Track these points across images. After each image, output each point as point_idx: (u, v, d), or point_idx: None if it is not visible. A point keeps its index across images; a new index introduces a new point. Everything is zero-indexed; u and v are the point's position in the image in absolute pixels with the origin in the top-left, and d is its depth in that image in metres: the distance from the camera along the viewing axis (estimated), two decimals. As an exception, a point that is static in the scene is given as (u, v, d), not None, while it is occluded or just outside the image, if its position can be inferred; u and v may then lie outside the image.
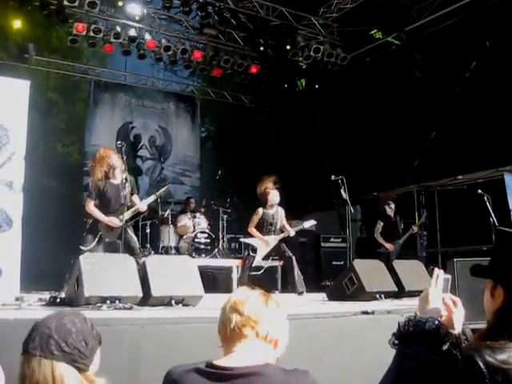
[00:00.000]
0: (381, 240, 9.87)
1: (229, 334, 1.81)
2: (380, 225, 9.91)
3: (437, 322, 1.85)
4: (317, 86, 16.15)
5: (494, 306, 1.82)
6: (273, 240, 8.38)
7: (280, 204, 8.59)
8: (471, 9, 11.40)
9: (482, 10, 11.25)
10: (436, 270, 2.01)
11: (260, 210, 8.39)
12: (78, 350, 1.87)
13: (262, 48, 13.42)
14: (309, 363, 3.80)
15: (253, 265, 8.40)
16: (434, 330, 1.83)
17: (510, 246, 1.88)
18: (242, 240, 8.98)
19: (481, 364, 1.57)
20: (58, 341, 1.84)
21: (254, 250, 8.44)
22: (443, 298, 1.99)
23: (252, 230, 8.40)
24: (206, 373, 1.74)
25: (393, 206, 10.07)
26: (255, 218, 8.40)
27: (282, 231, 8.48)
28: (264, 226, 8.40)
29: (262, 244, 8.36)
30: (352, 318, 4.73)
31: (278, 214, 8.49)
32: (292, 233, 8.50)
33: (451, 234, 11.68)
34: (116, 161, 6.95)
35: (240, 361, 1.75)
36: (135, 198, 7.22)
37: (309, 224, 8.98)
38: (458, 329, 1.93)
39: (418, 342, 1.81)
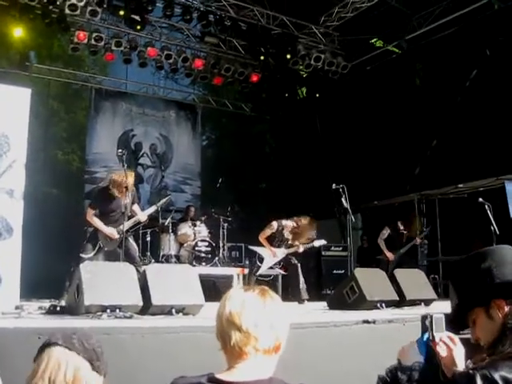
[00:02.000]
0: (383, 246, 9.83)
1: (229, 350, 1.77)
2: (386, 231, 9.86)
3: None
4: (317, 95, 16.17)
5: (496, 325, 1.82)
6: (281, 253, 8.42)
7: (281, 212, 8.61)
8: (471, 18, 11.44)
9: (483, 18, 11.29)
10: (439, 336, 2.00)
11: (275, 225, 8.39)
12: (96, 353, 1.96)
13: (262, 56, 13.44)
14: (310, 372, 3.79)
15: (257, 273, 8.41)
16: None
17: (468, 270, 1.88)
18: (250, 247, 9.00)
19: (498, 380, 1.55)
20: (80, 337, 1.95)
21: (261, 259, 8.45)
22: (440, 338, 1.98)
23: (263, 239, 8.41)
24: None
25: (403, 227, 10.02)
26: (268, 231, 8.40)
27: (292, 246, 8.50)
28: (275, 240, 8.42)
29: (270, 255, 8.38)
30: (353, 328, 4.71)
31: (289, 231, 8.53)
32: (301, 249, 8.53)
33: (452, 242, 11.65)
34: (131, 185, 6.89)
35: (243, 375, 1.73)
36: (136, 207, 7.22)
37: (319, 243, 9.03)
38: (460, 365, 1.92)
39: None
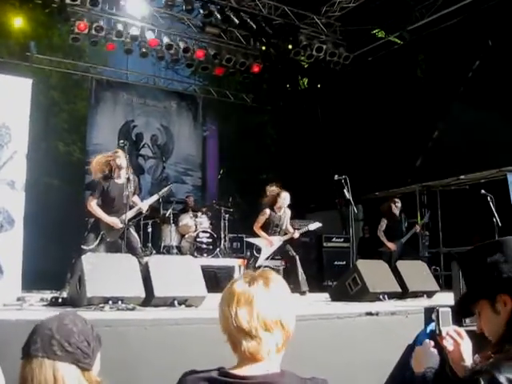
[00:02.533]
0: (383, 239, 9.80)
1: (240, 353, 1.72)
2: (384, 223, 9.82)
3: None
4: (319, 86, 16.13)
5: (502, 320, 1.79)
6: (277, 241, 8.37)
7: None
8: (474, 8, 11.38)
9: (485, 9, 11.22)
10: (446, 330, 1.98)
11: (267, 211, 8.36)
12: (81, 350, 1.85)
13: (264, 47, 13.42)
14: (313, 364, 3.78)
15: (256, 265, 8.38)
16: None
17: (475, 261, 1.85)
18: (246, 239, 8.98)
19: (503, 381, 1.52)
20: (60, 341, 1.82)
21: (258, 250, 8.42)
22: (447, 332, 1.96)
23: (258, 229, 8.38)
24: (219, 382, 1.69)
25: (399, 204, 9.98)
26: (262, 219, 8.36)
27: (287, 233, 8.47)
28: (270, 227, 8.39)
29: (267, 244, 8.36)
30: (356, 320, 4.70)
31: (285, 215, 8.48)
32: (296, 234, 8.51)
33: (453, 234, 11.64)
34: (122, 161, 6.92)
35: (255, 370, 1.70)
36: (136, 198, 7.20)
37: (314, 226, 8.96)
38: (468, 360, 1.90)
39: None
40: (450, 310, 2.04)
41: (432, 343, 2.04)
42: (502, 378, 1.52)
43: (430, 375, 1.95)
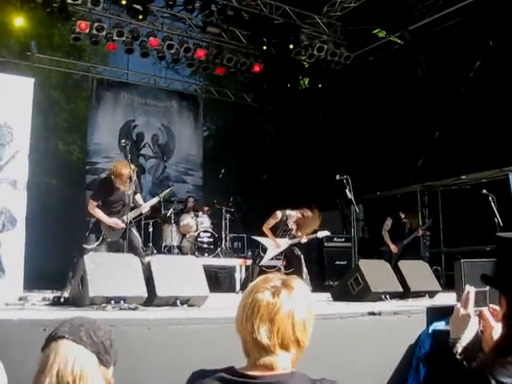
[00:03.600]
0: (387, 238, 9.80)
1: (252, 359, 1.73)
2: (389, 221, 9.81)
3: None
4: (320, 86, 16.12)
5: (501, 314, 1.81)
6: (284, 244, 8.40)
7: (283, 203, 8.59)
8: (475, 8, 11.38)
9: (486, 9, 11.23)
10: (467, 287, 1.97)
11: (279, 214, 8.36)
12: (104, 345, 1.94)
13: (265, 47, 13.39)
14: (316, 364, 3.77)
15: (260, 264, 8.40)
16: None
17: (511, 252, 1.84)
18: (253, 237, 8.98)
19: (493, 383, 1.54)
20: (88, 330, 1.92)
21: (264, 250, 8.43)
22: (481, 312, 1.96)
23: (267, 229, 8.39)
24: (229, 381, 1.69)
25: (403, 216, 9.97)
26: (272, 221, 8.38)
27: (295, 236, 8.49)
28: (278, 230, 8.40)
29: (274, 245, 8.37)
30: (359, 319, 4.69)
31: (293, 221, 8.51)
32: (304, 240, 8.51)
33: (454, 234, 11.64)
34: (129, 174, 6.79)
35: (265, 369, 1.71)
36: (138, 197, 7.17)
37: (322, 234, 9.00)
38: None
39: None
40: (487, 289, 2.04)
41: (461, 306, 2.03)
42: (491, 379, 1.54)
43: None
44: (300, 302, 1.75)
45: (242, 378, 1.69)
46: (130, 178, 6.71)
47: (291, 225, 8.44)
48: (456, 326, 2.01)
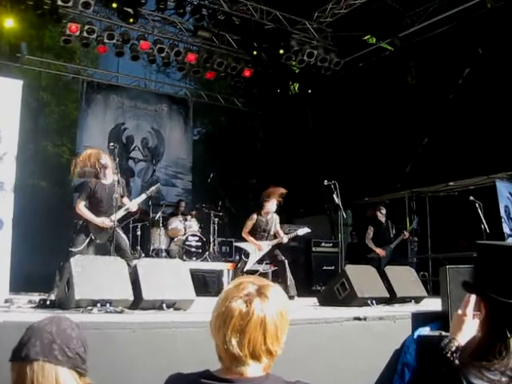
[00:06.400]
0: (372, 245, 9.83)
1: (225, 364, 1.74)
2: (371, 230, 9.85)
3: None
4: (310, 91, 16.17)
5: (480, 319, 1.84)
6: (266, 245, 8.40)
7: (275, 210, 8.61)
8: (464, 16, 11.48)
9: (475, 17, 11.32)
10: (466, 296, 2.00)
11: (254, 216, 8.43)
12: (79, 356, 1.86)
13: (255, 51, 13.40)
14: (301, 368, 3.78)
15: (245, 269, 8.40)
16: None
17: (490, 258, 1.87)
18: (235, 244, 9.00)
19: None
20: (61, 346, 1.82)
21: (247, 255, 8.44)
22: (468, 298, 1.99)
23: (246, 234, 8.43)
24: None
25: (384, 211, 10.04)
26: (249, 224, 8.43)
27: (276, 237, 8.50)
28: (257, 232, 8.43)
29: (255, 249, 8.38)
30: (344, 324, 4.72)
31: (272, 220, 8.52)
32: (285, 239, 8.55)
33: (442, 240, 11.70)
34: (107, 160, 6.91)
35: (239, 374, 1.71)
36: (126, 200, 7.16)
37: (303, 231, 9.02)
38: (461, 336, 1.94)
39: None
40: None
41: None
42: (464, 380, 1.60)
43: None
44: (273, 310, 1.72)
45: (217, 382, 1.69)
46: (103, 166, 6.84)
47: (269, 223, 8.45)
48: (453, 326, 2.04)
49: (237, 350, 1.68)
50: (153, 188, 7.73)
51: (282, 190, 8.62)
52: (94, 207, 6.88)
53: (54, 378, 1.78)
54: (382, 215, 10.02)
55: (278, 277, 8.40)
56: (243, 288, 1.76)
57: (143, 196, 7.60)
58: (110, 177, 6.93)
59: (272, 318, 1.71)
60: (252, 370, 1.70)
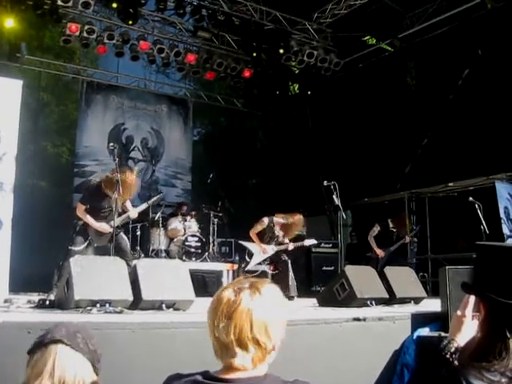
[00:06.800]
0: (373, 244, 9.83)
1: (224, 364, 1.74)
2: (377, 228, 9.84)
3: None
4: (309, 93, 16.16)
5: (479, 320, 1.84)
6: (271, 250, 8.44)
7: (271, 209, 8.62)
8: (464, 17, 11.48)
9: (475, 18, 11.33)
10: (466, 297, 2.00)
11: (265, 221, 8.42)
12: (97, 354, 1.94)
13: (255, 52, 13.40)
14: (300, 369, 3.78)
15: (246, 269, 8.41)
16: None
17: (489, 259, 1.87)
18: (240, 242, 8.99)
19: None
20: (84, 337, 1.91)
21: (250, 255, 8.45)
22: (468, 299, 1.99)
23: (254, 235, 8.43)
24: None
25: (392, 226, 10.01)
26: (258, 227, 8.44)
27: (281, 243, 8.52)
28: (265, 236, 8.44)
29: (260, 251, 8.40)
30: (344, 325, 4.71)
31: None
32: (291, 247, 8.57)
33: (441, 240, 11.70)
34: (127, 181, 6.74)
35: (237, 371, 1.71)
36: (128, 203, 7.16)
37: (309, 242, 9.08)
38: (460, 337, 1.95)
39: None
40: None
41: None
42: (464, 381, 1.60)
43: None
44: (262, 304, 1.74)
45: (216, 382, 1.69)
46: (129, 187, 6.67)
47: (277, 231, 8.48)
48: (452, 327, 2.05)
49: (223, 335, 1.70)
50: (155, 198, 7.76)
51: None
52: (95, 211, 6.85)
53: (73, 362, 1.83)
54: (392, 224, 10.01)
55: (279, 277, 8.41)
56: (238, 282, 1.81)
57: (144, 205, 7.59)
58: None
59: (260, 310, 1.72)
60: (240, 359, 1.70)
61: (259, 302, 1.74)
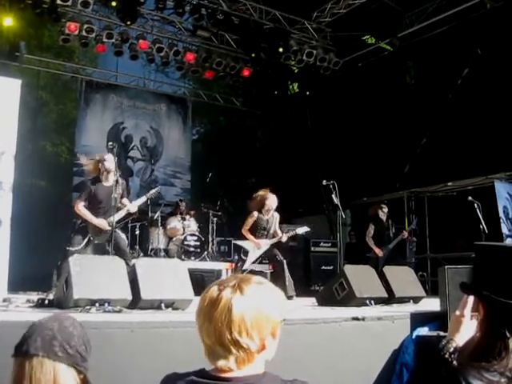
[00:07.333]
0: (371, 244, 9.82)
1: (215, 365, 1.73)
2: (372, 228, 9.82)
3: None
4: (308, 93, 16.16)
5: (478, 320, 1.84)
6: (265, 244, 8.36)
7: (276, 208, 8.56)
8: (463, 16, 11.48)
9: (474, 18, 11.33)
10: (465, 297, 1.99)
11: (255, 213, 8.34)
12: (80, 354, 1.86)
13: (254, 51, 13.39)
14: (299, 368, 3.78)
15: (243, 268, 8.37)
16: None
17: (488, 259, 1.86)
18: (234, 242, 8.96)
19: None
20: (61, 342, 1.82)
21: (246, 253, 8.41)
22: (467, 299, 1.98)
23: (246, 231, 8.37)
24: (199, 383, 1.69)
25: (386, 209, 10.01)
26: (250, 221, 8.35)
27: (275, 236, 8.47)
28: (257, 230, 8.37)
29: (254, 247, 8.35)
30: (343, 324, 4.71)
31: (272, 219, 8.45)
32: (284, 238, 8.49)
33: (440, 240, 11.71)
34: (111, 164, 6.92)
35: (236, 371, 1.70)
36: (126, 201, 7.18)
37: (302, 230, 8.99)
38: (459, 337, 1.95)
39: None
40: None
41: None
42: (463, 381, 1.60)
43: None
44: (245, 303, 1.66)
45: (213, 380, 1.68)
46: (107, 170, 6.92)
47: (270, 221, 8.41)
48: (451, 327, 2.04)
49: (206, 337, 1.67)
50: (153, 191, 7.76)
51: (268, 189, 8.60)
52: (94, 208, 6.89)
53: (52, 374, 1.78)
54: (383, 214, 9.99)
55: (275, 277, 8.39)
56: (228, 280, 1.75)
57: (143, 198, 7.61)
58: (112, 179, 6.94)
59: (241, 309, 1.65)
60: (223, 361, 1.66)
61: (240, 301, 1.66)
